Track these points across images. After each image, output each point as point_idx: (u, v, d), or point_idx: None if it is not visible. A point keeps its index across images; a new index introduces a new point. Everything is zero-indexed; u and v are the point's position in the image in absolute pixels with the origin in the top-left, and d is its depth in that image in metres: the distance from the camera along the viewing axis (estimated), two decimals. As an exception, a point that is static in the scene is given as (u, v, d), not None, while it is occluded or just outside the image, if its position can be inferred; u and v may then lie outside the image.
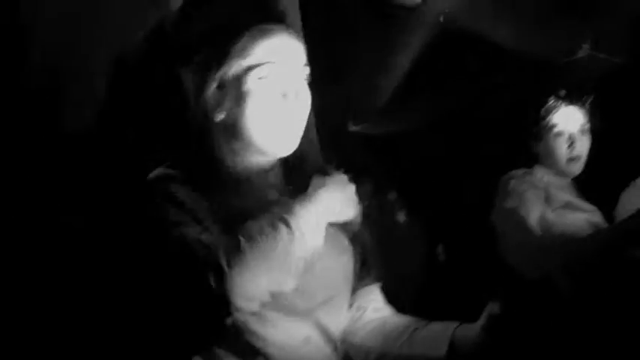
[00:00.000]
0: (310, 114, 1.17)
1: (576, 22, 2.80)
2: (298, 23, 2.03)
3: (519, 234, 1.95)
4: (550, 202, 2.00)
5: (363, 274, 1.27)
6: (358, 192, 1.23)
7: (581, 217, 2.01)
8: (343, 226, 1.21)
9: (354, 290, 1.26)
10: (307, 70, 1.15)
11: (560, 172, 2.07)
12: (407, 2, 3.15)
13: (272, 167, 1.19)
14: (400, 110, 3.33)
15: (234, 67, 1.09)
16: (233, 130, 1.11)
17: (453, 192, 2.78)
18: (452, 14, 3.09)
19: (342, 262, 1.22)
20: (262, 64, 1.08)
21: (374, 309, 1.28)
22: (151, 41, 1.62)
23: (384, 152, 2.93)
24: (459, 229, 2.52)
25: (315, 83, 2.10)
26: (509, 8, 2.92)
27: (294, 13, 2.07)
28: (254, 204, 1.10)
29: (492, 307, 1.05)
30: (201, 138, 1.11)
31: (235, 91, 1.09)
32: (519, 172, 2.11)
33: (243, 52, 1.08)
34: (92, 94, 1.66)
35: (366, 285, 1.28)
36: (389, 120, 3.44)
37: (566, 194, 2.06)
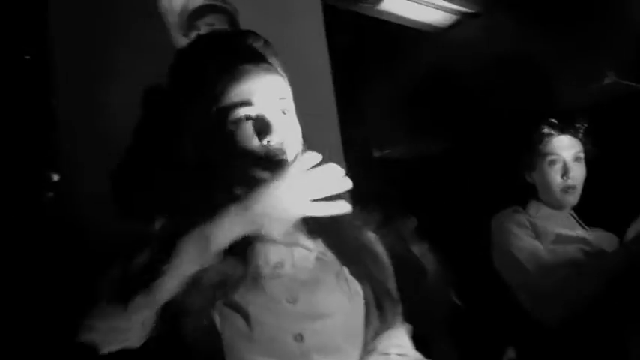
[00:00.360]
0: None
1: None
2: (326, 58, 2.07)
3: (517, 276, 1.93)
4: (541, 238, 1.97)
5: (383, 317, 1.15)
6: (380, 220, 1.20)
7: (573, 249, 1.97)
8: (351, 266, 1.14)
9: (376, 334, 1.15)
10: (284, 104, 1.12)
11: (555, 204, 2.04)
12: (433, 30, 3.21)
13: None
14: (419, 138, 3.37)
15: (209, 110, 1.09)
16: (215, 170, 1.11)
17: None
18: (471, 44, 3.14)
19: (345, 312, 1.11)
20: (237, 105, 1.08)
21: (398, 355, 1.17)
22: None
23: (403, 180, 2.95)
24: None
25: (342, 116, 2.16)
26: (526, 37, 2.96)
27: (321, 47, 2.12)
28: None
29: (509, 354, 1.02)
30: (196, 182, 1.10)
31: (217, 133, 1.09)
32: (507, 210, 2.09)
33: (216, 96, 1.09)
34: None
35: (389, 327, 1.16)
36: (409, 147, 3.48)
37: (556, 226, 2.02)
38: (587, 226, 2.05)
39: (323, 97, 2.05)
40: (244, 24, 1.82)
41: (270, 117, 1.08)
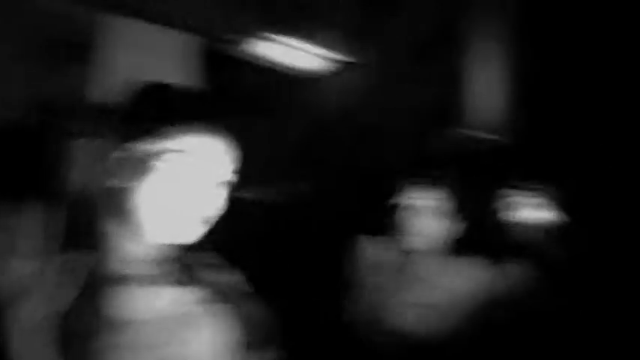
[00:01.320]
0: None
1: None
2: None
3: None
4: None
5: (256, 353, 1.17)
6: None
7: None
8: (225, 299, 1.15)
9: None
10: (228, 177, 1.10)
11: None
12: (305, 75, 3.26)
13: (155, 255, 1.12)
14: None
15: (148, 143, 1.04)
16: (120, 205, 1.06)
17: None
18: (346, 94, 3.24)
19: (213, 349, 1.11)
20: (178, 151, 1.04)
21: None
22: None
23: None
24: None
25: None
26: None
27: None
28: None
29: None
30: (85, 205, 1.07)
31: (136, 166, 1.05)
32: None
33: (163, 134, 1.04)
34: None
35: None
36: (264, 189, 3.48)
37: None
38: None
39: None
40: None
41: (207, 181, 1.07)
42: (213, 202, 1.09)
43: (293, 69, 3.19)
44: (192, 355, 1.07)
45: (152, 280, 1.09)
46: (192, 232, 1.08)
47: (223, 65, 2.85)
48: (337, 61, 3.22)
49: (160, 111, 1.07)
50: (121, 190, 1.05)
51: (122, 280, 1.06)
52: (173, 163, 1.05)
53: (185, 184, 1.05)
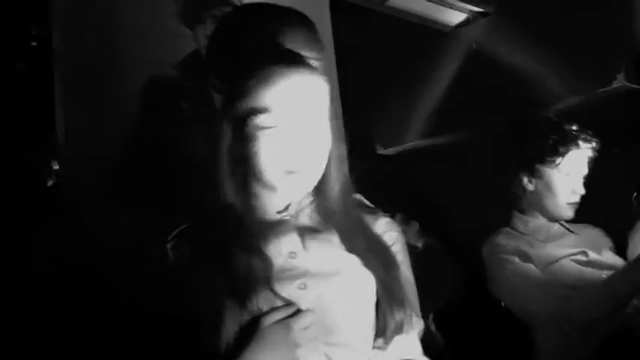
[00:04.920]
0: (333, 149, 1.10)
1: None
2: (331, 52, 2.04)
3: (516, 301, 1.88)
4: (534, 260, 1.92)
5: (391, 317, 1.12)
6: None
7: (569, 262, 1.91)
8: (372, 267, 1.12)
9: (384, 332, 1.13)
10: (326, 108, 1.07)
11: (553, 215, 1.99)
12: (443, 28, 3.19)
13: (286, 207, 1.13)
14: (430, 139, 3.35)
15: (242, 107, 1.03)
16: (246, 167, 1.06)
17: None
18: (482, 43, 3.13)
19: (354, 300, 1.10)
20: (267, 111, 1.02)
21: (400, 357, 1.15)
22: (182, 70, 1.61)
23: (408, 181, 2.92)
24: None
25: (347, 111, 2.13)
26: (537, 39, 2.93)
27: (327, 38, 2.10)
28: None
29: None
30: (210, 176, 1.07)
31: (244, 130, 1.03)
32: (496, 237, 2.00)
33: (251, 95, 1.02)
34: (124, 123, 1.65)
35: (398, 332, 1.13)
36: (418, 147, 3.46)
37: (548, 245, 1.97)
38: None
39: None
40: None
41: (294, 134, 1.04)
42: (322, 144, 1.07)
43: (428, 20, 3.10)
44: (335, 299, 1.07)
45: (286, 229, 1.11)
46: (310, 181, 1.08)
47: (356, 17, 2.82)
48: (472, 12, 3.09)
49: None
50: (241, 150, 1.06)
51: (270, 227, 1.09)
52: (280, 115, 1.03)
53: (292, 134, 1.04)
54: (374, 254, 1.13)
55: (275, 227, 1.10)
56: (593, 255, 1.92)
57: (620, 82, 2.86)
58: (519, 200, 2.01)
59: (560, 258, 1.89)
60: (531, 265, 1.87)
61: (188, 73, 1.68)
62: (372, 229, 1.17)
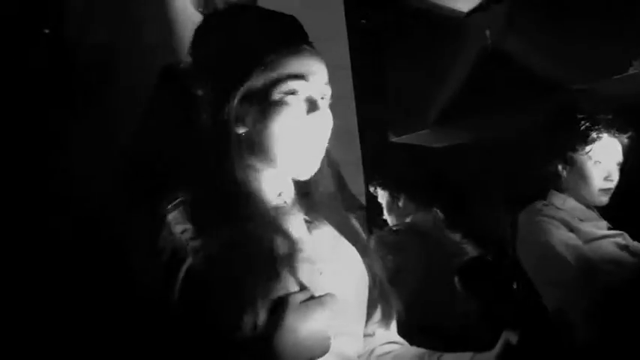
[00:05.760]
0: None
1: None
2: (344, 39, 2.03)
3: (553, 269, 1.90)
4: (577, 234, 1.95)
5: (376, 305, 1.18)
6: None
7: (607, 244, 1.94)
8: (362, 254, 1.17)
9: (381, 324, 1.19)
10: (329, 91, 1.11)
11: (588, 201, 2.00)
12: (453, 13, 3.17)
13: (286, 191, 1.15)
14: (447, 126, 3.34)
15: (262, 79, 1.06)
16: (253, 145, 1.08)
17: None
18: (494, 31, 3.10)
19: (357, 289, 1.14)
20: (292, 77, 1.06)
21: (386, 341, 1.22)
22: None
23: (427, 167, 2.92)
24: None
25: (360, 97, 2.13)
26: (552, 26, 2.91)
27: (340, 27, 2.09)
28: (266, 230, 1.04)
29: (509, 336, 1.00)
30: (218, 156, 1.07)
31: (261, 103, 1.06)
32: (535, 205, 2.05)
33: (272, 65, 1.06)
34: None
35: (388, 319, 1.19)
36: (434, 134, 3.45)
37: (586, 223, 1.99)
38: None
39: (341, 78, 2.03)
40: (263, 3, 1.79)
41: (320, 99, 1.09)
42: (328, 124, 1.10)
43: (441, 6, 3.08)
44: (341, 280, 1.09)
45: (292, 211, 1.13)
46: (315, 162, 1.10)
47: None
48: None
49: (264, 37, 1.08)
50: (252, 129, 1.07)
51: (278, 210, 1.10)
52: (293, 93, 1.06)
53: (307, 107, 1.07)
54: (359, 246, 1.17)
55: (282, 210, 1.11)
56: (629, 240, 1.96)
57: (636, 68, 2.83)
58: (557, 181, 2.04)
59: (601, 237, 1.92)
60: (576, 237, 1.90)
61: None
62: (354, 224, 1.22)
